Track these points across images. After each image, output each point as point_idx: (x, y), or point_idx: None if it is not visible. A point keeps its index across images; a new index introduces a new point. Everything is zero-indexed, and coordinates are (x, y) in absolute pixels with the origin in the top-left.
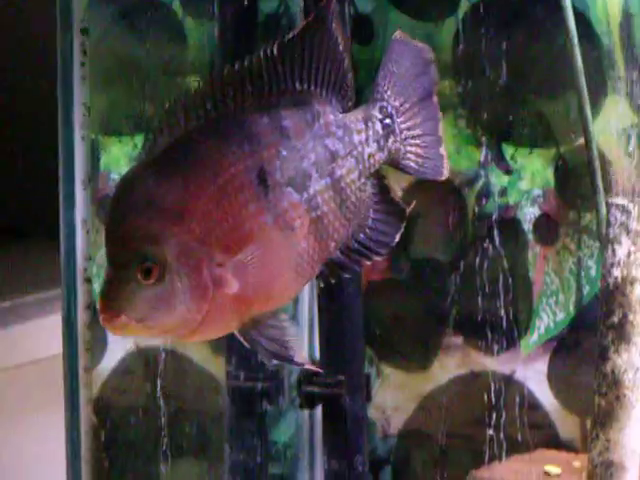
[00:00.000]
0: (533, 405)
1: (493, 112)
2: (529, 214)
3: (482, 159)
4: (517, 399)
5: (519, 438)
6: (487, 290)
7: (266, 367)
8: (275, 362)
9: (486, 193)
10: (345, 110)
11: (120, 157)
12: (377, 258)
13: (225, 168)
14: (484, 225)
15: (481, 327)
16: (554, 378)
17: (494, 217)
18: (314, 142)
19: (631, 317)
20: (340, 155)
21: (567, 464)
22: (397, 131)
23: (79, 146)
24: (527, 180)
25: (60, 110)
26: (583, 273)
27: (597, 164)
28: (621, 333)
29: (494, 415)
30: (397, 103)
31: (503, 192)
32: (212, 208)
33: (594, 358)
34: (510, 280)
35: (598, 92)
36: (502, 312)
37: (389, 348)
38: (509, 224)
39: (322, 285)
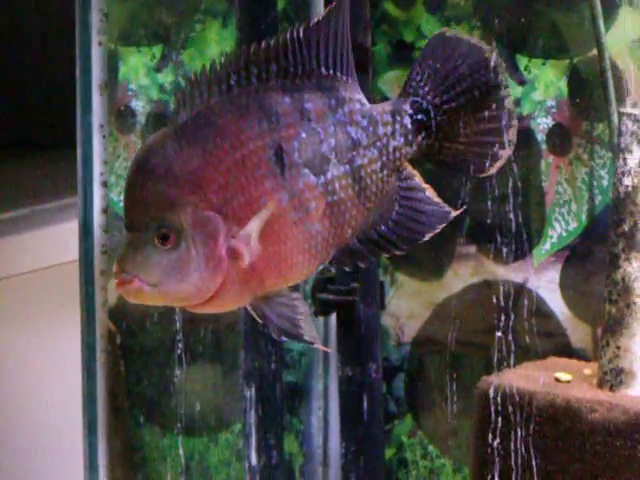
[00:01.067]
0: (545, 313)
1: (507, 23)
2: (542, 124)
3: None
4: (529, 307)
5: (530, 346)
6: (500, 200)
7: None
8: (284, 339)
9: None
10: (370, 100)
11: (139, 67)
12: (397, 252)
13: (243, 143)
14: None
15: (494, 236)
16: (566, 286)
17: None
18: (335, 127)
19: None
20: (362, 144)
21: (578, 371)
22: (433, 128)
23: (96, 51)
24: (540, 91)
25: (77, 15)
26: (595, 183)
27: (610, 74)
28: (632, 241)
29: (506, 323)
30: (437, 100)
31: (517, 103)
32: (229, 180)
33: (605, 266)
34: (523, 190)
35: (611, 3)
36: (515, 221)
37: (403, 256)
38: (522, 134)
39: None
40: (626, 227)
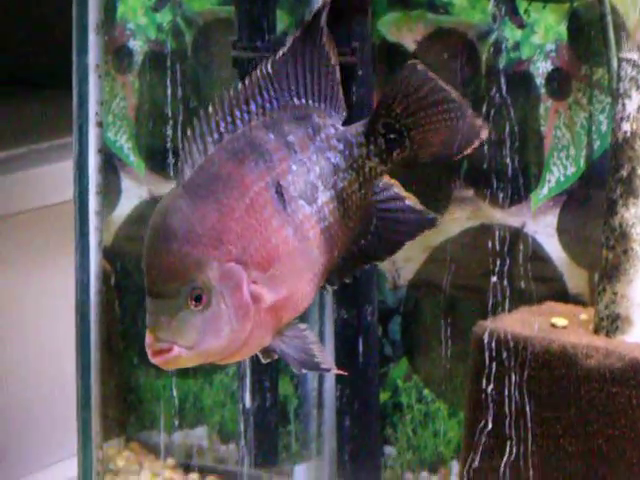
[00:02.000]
0: (542, 258)
1: None
2: (542, 68)
3: (496, 13)
4: (526, 252)
5: (527, 290)
6: (498, 144)
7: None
8: (305, 371)
9: (499, 47)
10: (341, 123)
11: (136, 7)
12: (377, 263)
13: (248, 187)
14: (497, 79)
15: (492, 180)
16: (563, 231)
17: (507, 71)
18: (317, 155)
19: None
20: (341, 168)
21: (574, 317)
22: (406, 143)
23: None
24: (540, 34)
25: None
26: (594, 128)
27: (610, 19)
28: (629, 187)
29: (503, 267)
30: (409, 121)
31: (516, 46)
32: (244, 227)
33: (603, 212)
34: (521, 134)
35: None
36: (512, 165)
37: None
38: (521, 78)
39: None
40: (624, 173)
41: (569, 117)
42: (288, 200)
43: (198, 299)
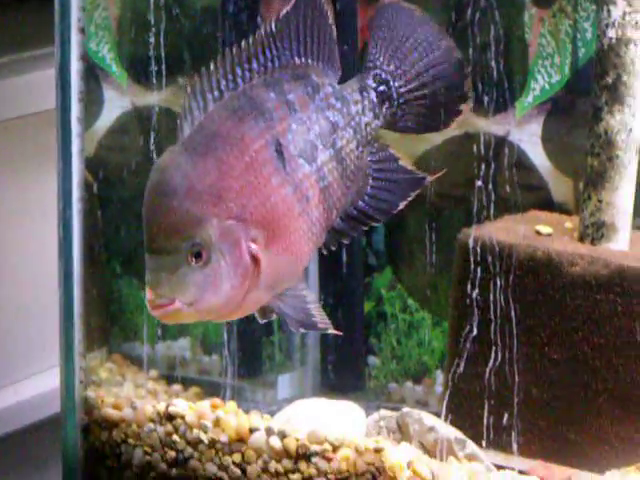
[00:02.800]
0: (526, 166)
1: None
2: None
3: None
4: (511, 160)
5: (512, 199)
6: (483, 52)
7: None
8: (302, 330)
9: None
10: (337, 82)
11: None
12: (375, 224)
13: (248, 145)
14: None
15: (476, 88)
16: (548, 139)
17: None
18: (316, 114)
19: (625, 78)
20: (340, 126)
21: (559, 225)
22: (394, 96)
23: None
24: None
25: None
26: (579, 35)
27: None
28: (615, 94)
29: (487, 176)
30: (392, 67)
31: None
32: (243, 185)
33: (588, 119)
34: (506, 42)
35: None
36: (497, 74)
37: None
38: None
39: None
40: (609, 80)
41: (554, 25)
42: (288, 159)
43: (198, 255)
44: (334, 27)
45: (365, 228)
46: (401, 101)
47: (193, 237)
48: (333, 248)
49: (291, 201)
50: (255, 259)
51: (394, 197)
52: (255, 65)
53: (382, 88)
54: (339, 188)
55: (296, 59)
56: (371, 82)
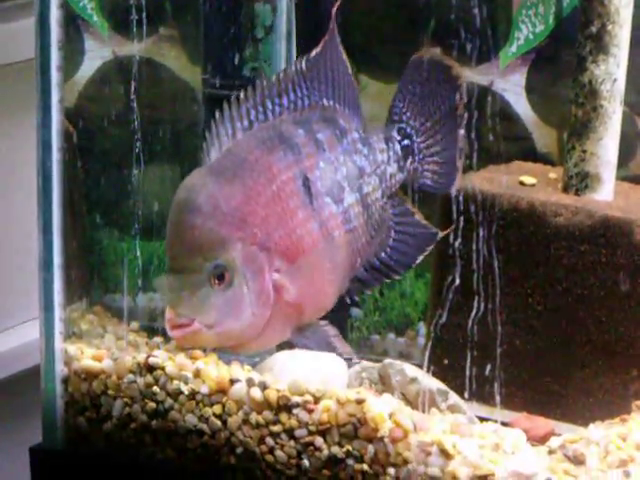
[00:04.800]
0: (510, 117)
1: None
2: None
3: None
4: (495, 110)
5: (495, 149)
6: (466, 1)
7: (243, 75)
8: None
9: None
10: (362, 129)
11: None
12: (396, 277)
13: (276, 175)
14: None
15: (460, 38)
16: (532, 90)
17: None
18: (344, 156)
19: (609, 27)
20: (366, 172)
21: (543, 175)
22: (416, 151)
23: None
24: None
25: None
26: None
27: None
28: (599, 43)
29: (471, 126)
30: (417, 123)
31: None
32: (269, 213)
33: (572, 70)
34: None
35: None
36: (481, 23)
37: (368, 58)
38: None
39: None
40: (594, 29)
41: None
42: (315, 195)
43: (220, 277)
44: (353, 79)
45: (387, 280)
46: (420, 157)
47: (216, 258)
48: (356, 299)
49: (317, 237)
50: (278, 289)
51: (413, 250)
52: (285, 101)
53: (406, 142)
54: (364, 235)
55: (325, 101)
56: (396, 134)
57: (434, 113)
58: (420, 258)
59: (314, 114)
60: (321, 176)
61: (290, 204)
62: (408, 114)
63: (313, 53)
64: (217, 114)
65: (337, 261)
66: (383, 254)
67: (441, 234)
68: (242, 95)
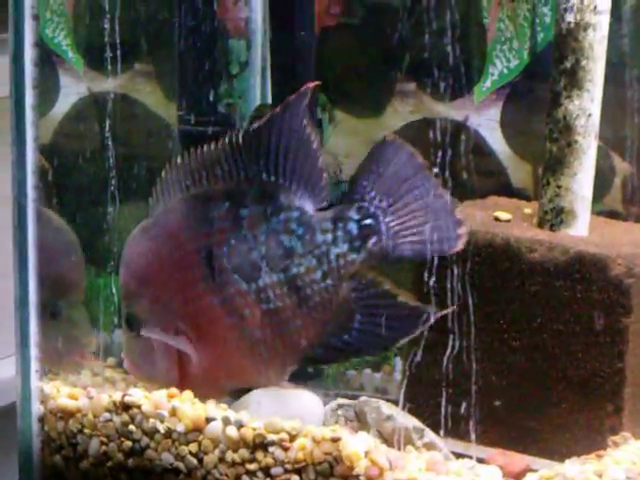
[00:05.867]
0: (485, 152)
1: None
2: None
3: None
4: (469, 146)
5: (470, 184)
6: (440, 36)
7: (218, 111)
8: None
9: None
10: (318, 207)
11: None
12: (369, 356)
13: (183, 244)
14: None
15: (434, 73)
16: (507, 125)
17: None
18: (267, 236)
19: (583, 63)
20: (297, 253)
21: (518, 211)
22: (383, 230)
23: None
24: None
25: None
26: (538, 20)
27: None
28: (573, 79)
29: (445, 161)
30: (384, 204)
31: None
32: (170, 279)
33: (547, 104)
34: (463, 27)
35: None
36: (455, 58)
37: (342, 94)
38: None
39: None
40: (568, 64)
41: (512, 9)
42: (218, 270)
43: (130, 325)
44: (320, 153)
45: (357, 359)
46: (392, 233)
47: (128, 307)
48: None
49: (218, 312)
50: (184, 352)
51: (392, 333)
52: (219, 171)
53: (369, 222)
54: (298, 317)
55: (263, 175)
56: (353, 214)
57: (405, 195)
58: (403, 340)
59: (252, 188)
60: (229, 253)
61: (189, 275)
62: (372, 194)
63: (255, 126)
64: (163, 173)
65: (253, 339)
66: (346, 336)
67: (438, 314)
68: (180, 160)
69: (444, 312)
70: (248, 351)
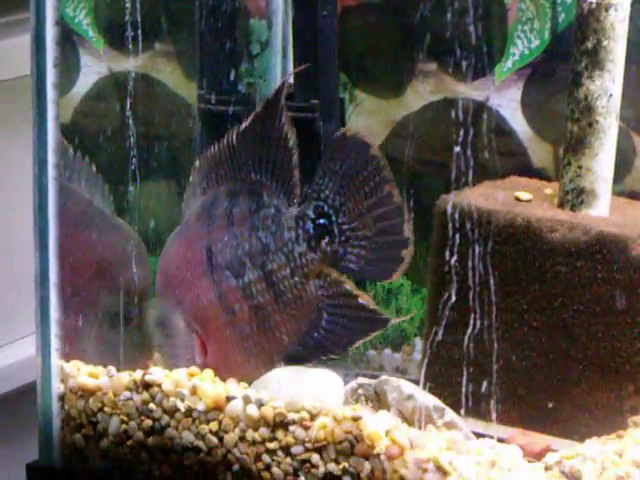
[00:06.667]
0: (506, 132)
1: None
2: None
3: None
4: (490, 126)
5: (491, 165)
6: (462, 16)
7: (238, 91)
8: None
9: None
10: (291, 205)
11: None
12: (333, 357)
13: (191, 243)
14: None
15: (455, 53)
16: (528, 105)
17: None
18: (250, 232)
19: (605, 43)
20: (271, 249)
21: (538, 191)
22: (335, 232)
23: None
24: None
25: None
26: (559, 0)
27: None
28: (595, 59)
29: (466, 141)
30: (336, 203)
31: None
32: (183, 277)
33: (567, 85)
34: (485, 6)
35: None
36: (476, 38)
37: (363, 74)
38: None
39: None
40: (589, 45)
41: None
42: (215, 267)
43: (160, 324)
44: (294, 152)
45: (324, 358)
46: (343, 239)
47: (159, 306)
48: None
49: (217, 308)
50: (200, 347)
51: (351, 333)
52: (222, 172)
53: (323, 221)
54: (277, 313)
55: (252, 175)
56: (311, 213)
57: (357, 193)
58: (361, 341)
59: (245, 186)
60: (222, 250)
61: (196, 272)
62: (327, 192)
63: (242, 126)
64: (190, 178)
65: (243, 334)
66: (316, 334)
67: (393, 321)
68: (197, 163)
69: (400, 319)
70: (240, 347)
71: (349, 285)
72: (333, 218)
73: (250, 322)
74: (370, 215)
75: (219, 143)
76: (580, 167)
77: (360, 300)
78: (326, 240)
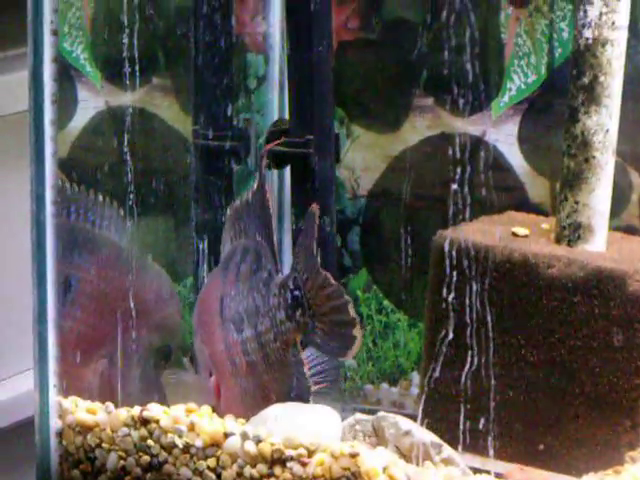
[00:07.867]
0: (503, 167)
1: None
2: None
3: None
4: (487, 161)
5: (488, 200)
6: (458, 51)
7: (234, 126)
8: None
9: None
10: (279, 272)
11: None
12: None
13: (211, 292)
14: None
15: (452, 88)
16: (524, 140)
17: None
18: (249, 292)
19: (601, 78)
20: (261, 312)
21: (535, 226)
22: (305, 305)
23: None
24: None
25: None
26: (555, 35)
27: None
28: (591, 94)
29: (463, 176)
30: (304, 276)
31: None
32: (202, 321)
33: (564, 120)
34: (482, 42)
35: None
36: (473, 73)
37: (360, 108)
38: None
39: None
40: (586, 80)
41: (530, 24)
42: (224, 319)
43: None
44: (272, 229)
45: None
46: (311, 312)
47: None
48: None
49: (225, 357)
50: (216, 389)
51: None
52: (242, 225)
53: (297, 293)
54: (265, 372)
55: (257, 236)
56: (290, 283)
57: (316, 269)
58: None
59: (252, 245)
60: (230, 303)
61: (210, 319)
62: (299, 265)
63: (245, 196)
64: (225, 225)
65: (243, 387)
66: (294, 395)
67: (314, 388)
68: (228, 210)
69: (319, 386)
70: (240, 398)
71: (302, 353)
72: (303, 291)
73: (247, 377)
74: (322, 293)
75: (237, 203)
76: (577, 202)
77: (304, 368)
78: (299, 311)
